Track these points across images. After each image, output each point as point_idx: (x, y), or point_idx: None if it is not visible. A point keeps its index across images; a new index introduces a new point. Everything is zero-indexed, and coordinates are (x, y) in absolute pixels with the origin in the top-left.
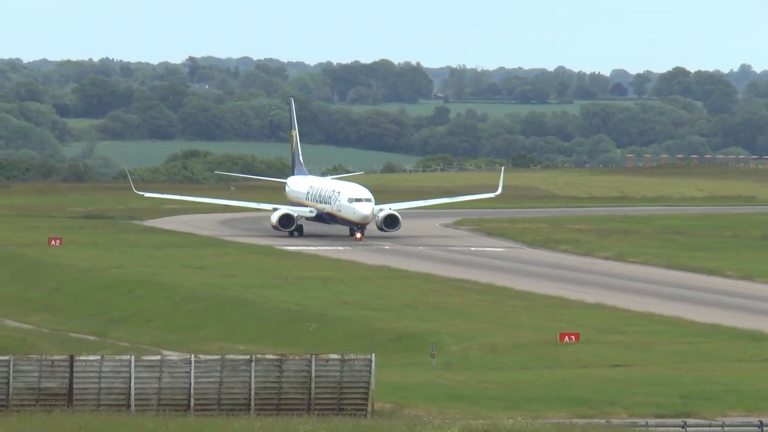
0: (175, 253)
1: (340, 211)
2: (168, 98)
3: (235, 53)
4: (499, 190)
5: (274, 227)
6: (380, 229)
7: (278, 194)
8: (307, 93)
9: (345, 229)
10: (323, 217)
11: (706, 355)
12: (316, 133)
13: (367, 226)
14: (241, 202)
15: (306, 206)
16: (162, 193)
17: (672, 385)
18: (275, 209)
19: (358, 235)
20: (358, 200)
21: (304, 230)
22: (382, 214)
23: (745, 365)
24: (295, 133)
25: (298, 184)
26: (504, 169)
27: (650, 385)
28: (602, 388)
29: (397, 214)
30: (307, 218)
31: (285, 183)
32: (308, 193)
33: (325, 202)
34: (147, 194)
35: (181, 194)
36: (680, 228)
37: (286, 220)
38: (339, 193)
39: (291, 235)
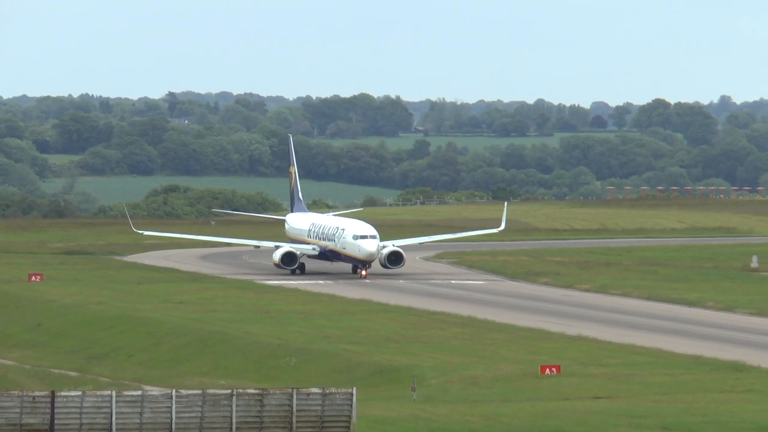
0: (155, 288)
1: (344, 248)
2: (147, 133)
3: (215, 88)
4: (503, 226)
5: (277, 265)
6: (384, 266)
7: (260, 229)
8: (287, 127)
9: (347, 267)
10: (326, 255)
11: (688, 387)
12: None
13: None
14: (242, 240)
15: (308, 244)
16: (161, 231)
17: (654, 416)
18: (277, 247)
19: (364, 272)
20: (363, 237)
21: (306, 268)
22: (385, 251)
23: (727, 396)
24: (294, 169)
25: (298, 221)
26: (507, 204)
27: (632, 416)
28: (584, 420)
29: (401, 251)
30: (310, 256)
31: (284, 220)
32: (310, 230)
33: (329, 240)
34: (147, 233)
35: (179, 232)
36: (661, 260)
37: (288, 258)
38: (343, 230)
39: (293, 273)
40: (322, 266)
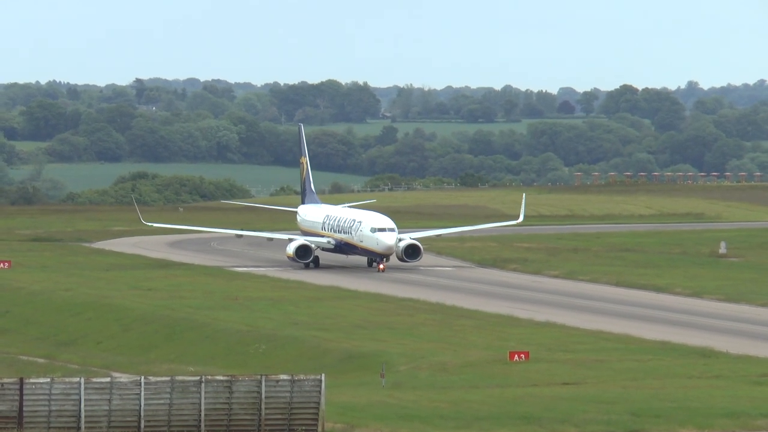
0: (124, 275)
1: (362, 241)
2: (115, 120)
3: (182, 74)
4: (521, 218)
5: (291, 259)
6: (401, 259)
7: (229, 216)
8: (255, 114)
9: (362, 260)
10: (342, 248)
11: (656, 373)
12: (263, 154)
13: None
14: (252, 232)
15: (323, 236)
16: (168, 223)
17: (622, 402)
18: (291, 240)
19: (381, 266)
20: (382, 230)
21: (320, 262)
22: (402, 244)
23: (695, 382)
24: (306, 159)
25: (311, 213)
26: (525, 196)
27: (600, 402)
28: (552, 406)
29: (419, 244)
30: (325, 249)
31: (296, 211)
32: (324, 222)
33: (345, 232)
34: (154, 224)
35: (185, 224)
36: (629, 245)
37: (303, 251)
38: (360, 222)
39: (307, 267)
40: (336, 260)
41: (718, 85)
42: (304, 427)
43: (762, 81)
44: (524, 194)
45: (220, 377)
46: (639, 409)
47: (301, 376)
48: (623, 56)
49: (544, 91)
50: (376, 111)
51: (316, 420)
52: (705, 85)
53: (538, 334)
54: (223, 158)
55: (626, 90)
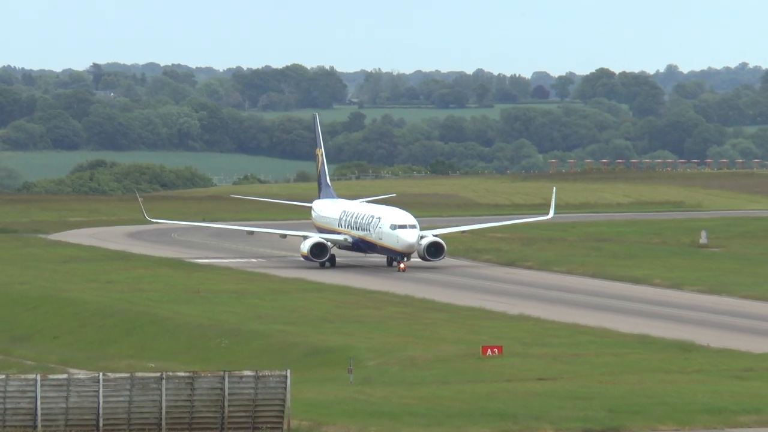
0: (82, 267)
1: (381, 239)
2: (72, 107)
3: (141, 59)
4: (551, 213)
5: (305, 257)
6: (423, 258)
7: (189, 205)
8: (217, 99)
9: (382, 259)
10: (360, 246)
11: (634, 367)
12: (226, 141)
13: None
14: (267, 229)
15: (339, 233)
16: (169, 219)
17: (599, 398)
18: (305, 237)
19: (402, 265)
20: (402, 227)
21: (336, 260)
22: (424, 242)
23: (675, 377)
24: (321, 152)
25: (327, 208)
26: (555, 192)
27: (577, 398)
28: (527, 402)
29: (442, 242)
30: (342, 247)
31: (310, 207)
32: (341, 218)
33: (363, 229)
34: (159, 221)
35: (184, 220)
36: (606, 235)
37: (318, 249)
38: (379, 219)
39: (322, 266)
40: (354, 258)
41: (698, 68)
42: (268, 425)
43: (744, 64)
44: (555, 188)
45: (182, 373)
46: (616, 405)
47: (266, 372)
48: (599, 39)
49: (517, 75)
50: (342, 96)
51: (282, 417)
52: (685, 68)
53: (511, 328)
54: (184, 146)
55: (603, 74)
